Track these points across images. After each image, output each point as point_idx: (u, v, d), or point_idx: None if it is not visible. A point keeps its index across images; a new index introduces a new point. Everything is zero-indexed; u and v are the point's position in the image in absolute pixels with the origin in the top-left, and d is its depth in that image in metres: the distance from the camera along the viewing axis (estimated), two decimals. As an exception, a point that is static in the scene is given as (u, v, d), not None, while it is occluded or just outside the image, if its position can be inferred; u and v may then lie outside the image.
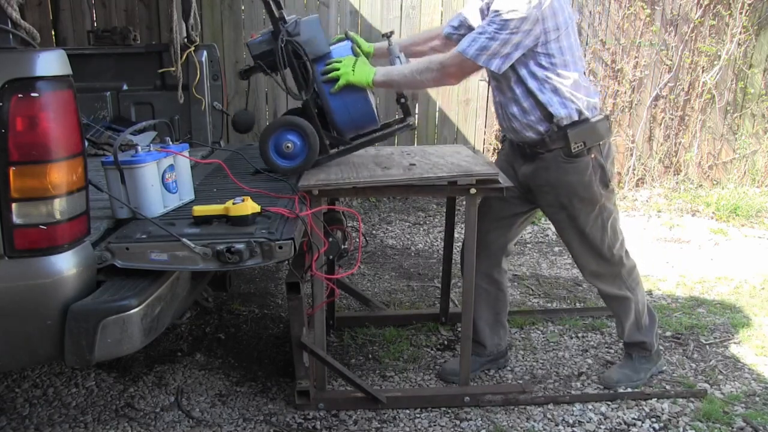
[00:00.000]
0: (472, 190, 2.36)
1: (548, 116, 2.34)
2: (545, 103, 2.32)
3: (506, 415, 2.50)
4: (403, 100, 2.60)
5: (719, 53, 5.53)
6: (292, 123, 2.45)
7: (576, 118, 2.34)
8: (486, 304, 2.76)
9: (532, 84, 2.31)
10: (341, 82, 2.38)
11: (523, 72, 2.31)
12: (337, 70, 2.39)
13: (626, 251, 2.62)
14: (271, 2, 2.40)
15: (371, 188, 2.39)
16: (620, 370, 2.72)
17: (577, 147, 2.35)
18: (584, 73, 2.42)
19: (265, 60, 2.48)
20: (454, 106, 5.49)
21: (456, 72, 2.34)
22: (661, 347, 2.85)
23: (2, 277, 1.67)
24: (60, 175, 1.66)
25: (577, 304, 3.52)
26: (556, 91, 2.31)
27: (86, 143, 2.66)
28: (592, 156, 2.39)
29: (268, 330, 3.20)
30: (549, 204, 2.53)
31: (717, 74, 5.57)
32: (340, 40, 2.54)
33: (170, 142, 2.20)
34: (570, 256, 2.73)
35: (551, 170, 2.42)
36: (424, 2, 5.28)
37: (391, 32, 2.61)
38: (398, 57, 2.54)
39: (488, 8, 2.32)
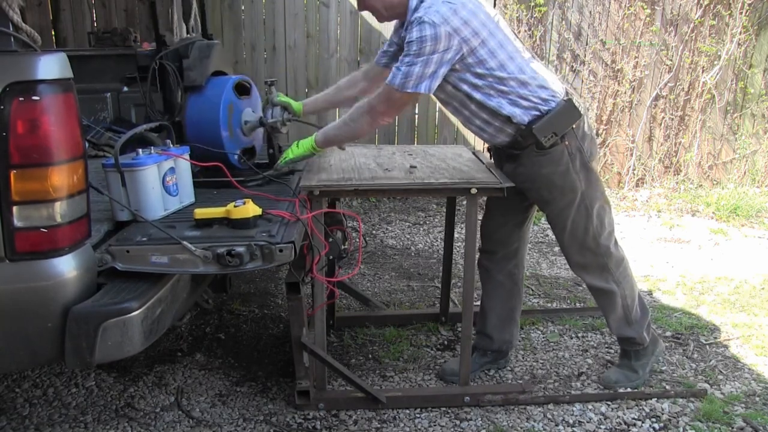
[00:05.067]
0: (473, 190, 2.37)
1: (508, 119, 2.34)
2: (497, 108, 2.32)
3: (506, 415, 2.50)
4: (271, 151, 2.61)
5: (719, 53, 5.53)
6: (143, 139, 2.41)
7: (537, 113, 2.32)
8: (501, 297, 2.76)
9: (478, 95, 2.31)
10: (289, 156, 2.49)
11: (465, 88, 2.31)
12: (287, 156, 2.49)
13: (615, 242, 2.60)
14: (158, 21, 2.44)
15: (372, 189, 2.40)
16: (619, 370, 2.72)
17: (548, 139, 2.33)
18: (534, 62, 2.38)
19: (145, 74, 2.49)
20: (454, 105, 5.48)
21: (387, 108, 2.32)
22: (659, 338, 2.84)
23: (3, 279, 1.67)
24: (61, 178, 1.66)
25: (577, 304, 3.53)
26: (503, 94, 2.31)
27: (86, 145, 2.66)
28: (566, 143, 2.37)
29: (268, 330, 3.21)
30: (535, 200, 2.55)
31: (717, 74, 5.58)
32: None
33: (171, 145, 2.20)
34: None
35: (527, 167, 2.42)
36: (424, 2, 5.27)
37: (273, 81, 2.63)
38: (274, 107, 2.57)
39: (402, 26, 2.35)
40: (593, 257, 2.55)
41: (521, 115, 2.32)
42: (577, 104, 2.37)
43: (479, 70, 2.27)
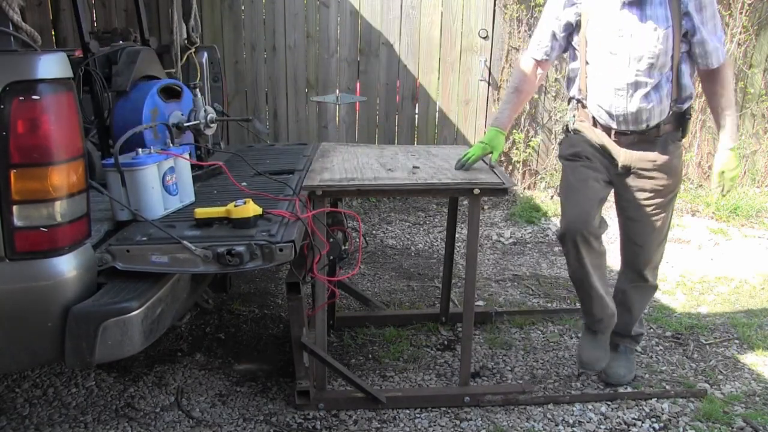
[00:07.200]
0: (476, 191, 2.36)
1: (678, 101, 2.39)
2: (685, 86, 2.38)
3: (506, 415, 2.50)
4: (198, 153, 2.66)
5: (719, 53, 5.52)
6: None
7: (690, 103, 2.42)
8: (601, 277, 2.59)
9: (683, 67, 2.36)
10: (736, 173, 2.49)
11: (684, 55, 2.36)
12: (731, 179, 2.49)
13: None
14: (83, 28, 2.45)
15: (375, 190, 2.40)
16: (620, 364, 2.72)
17: (685, 133, 2.47)
18: None
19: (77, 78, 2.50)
20: (454, 106, 5.49)
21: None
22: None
23: (3, 279, 1.67)
24: (61, 177, 1.66)
25: (577, 304, 3.51)
26: (690, 75, 2.40)
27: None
28: (681, 141, 2.49)
29: (268, 330, 3.21)
30: (645, 188, 2.48)
31: (717, 74, 5.57)
32: None
33: (171, 144, 2.20)
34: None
35: (662, 154, 2.44)
36: (424, 2, 5.28)
37: (196, 84, 2.68)
38: (198, 110, 2.60)
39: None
40: (661, 255, 2.65)
41: (688, 102, 2.41)
42: None
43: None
